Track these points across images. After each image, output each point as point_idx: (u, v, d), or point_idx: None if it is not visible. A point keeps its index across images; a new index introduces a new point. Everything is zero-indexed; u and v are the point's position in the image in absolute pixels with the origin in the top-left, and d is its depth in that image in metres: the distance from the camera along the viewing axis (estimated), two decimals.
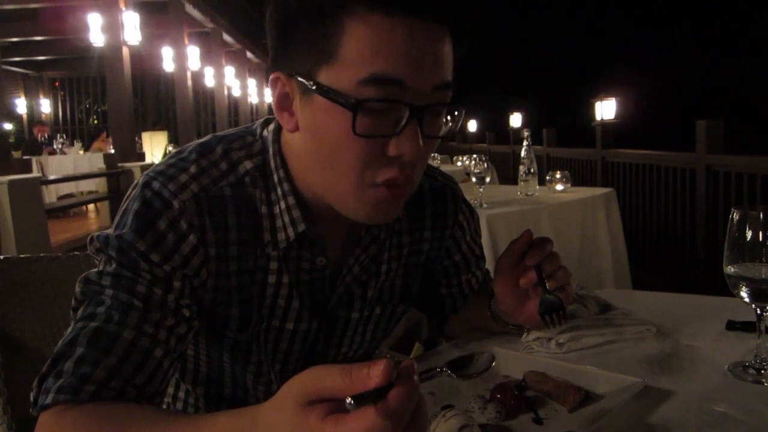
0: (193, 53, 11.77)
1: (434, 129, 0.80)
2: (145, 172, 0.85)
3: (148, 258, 0.78)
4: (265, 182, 0.86)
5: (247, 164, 0.86)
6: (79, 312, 0.77)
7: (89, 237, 0.82)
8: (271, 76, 0.82)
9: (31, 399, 0.71)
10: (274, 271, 0.88)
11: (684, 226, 4.55)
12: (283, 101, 0.81)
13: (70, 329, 0.75)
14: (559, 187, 3.25)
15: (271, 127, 0.90)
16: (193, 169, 0.83)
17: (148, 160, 9.46)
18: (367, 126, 0.74)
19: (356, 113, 0.72)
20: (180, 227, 0.80)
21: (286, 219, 0.86)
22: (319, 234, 0.88)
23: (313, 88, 0.75)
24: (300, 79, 0.77)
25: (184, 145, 0.89)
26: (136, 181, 0.84)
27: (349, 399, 0.48)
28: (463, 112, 0.83)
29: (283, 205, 0.86)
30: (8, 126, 8.69)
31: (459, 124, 0.84)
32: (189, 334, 0.82)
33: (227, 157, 0.86)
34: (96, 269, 0.80)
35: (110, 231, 0.81)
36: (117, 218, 0.82)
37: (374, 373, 0.48)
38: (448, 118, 0.83)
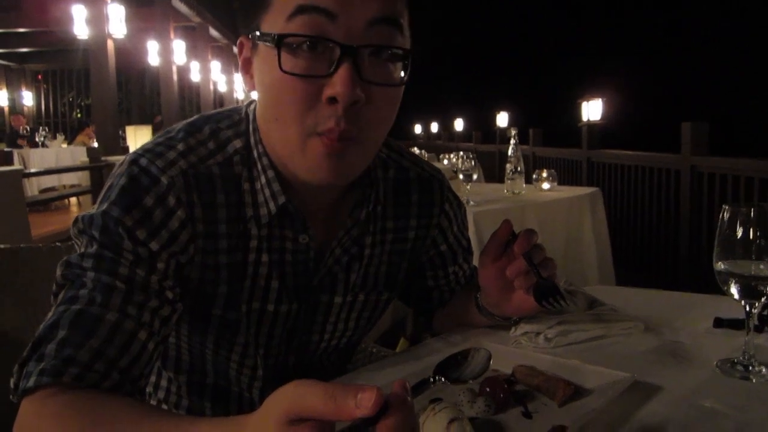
0: (179, 47, 11.69)
1: (378, 74, 0.75)
2: (132, 151, 0.84)
3: (133, 235, 0.77)
4: (248, 159, 0.86)
5: (237, 143, 0.86)
6: (61, 295, 0.75)
7: (74, 218, 0.80)
8: (238, 42, 0.84)
9: (12, 385, 0.69)
10: (254, 250, 0.87)
11: (668, 226, 4.59)
12: (247, 64, 0.83)
13: (51, 313, 0.73)
14: (546, 185, 3.26)
15: (254, 105, 0.90)
16: (181, 146, 0.83)
17: None
18: (296, 64, 0.73)
19: (280, 49, 0.73)
20: (168, 203, 0.79)
21: (267, 193, 0.85)
22: (300, 209, 0.87)
23: (257, 38, 0.76)
24: (250, 35, 0.78)
25: (171, 126, 0.89)
26: (122, 160, 0.83)
27: None
28: (410, 56, 0.78)
29: (263, 179, 0.85)
30: None
31: (407, 72, 0.79)
32: (173, 316, 0.80)
33: (215, 136, 0.86)
34: (77, 252, 0.78)
35: (94, 209, 0.79)
36: (101, 195, 0.81)
37: (362, 404, 0.44)
38: (402, 72, 0.78)
